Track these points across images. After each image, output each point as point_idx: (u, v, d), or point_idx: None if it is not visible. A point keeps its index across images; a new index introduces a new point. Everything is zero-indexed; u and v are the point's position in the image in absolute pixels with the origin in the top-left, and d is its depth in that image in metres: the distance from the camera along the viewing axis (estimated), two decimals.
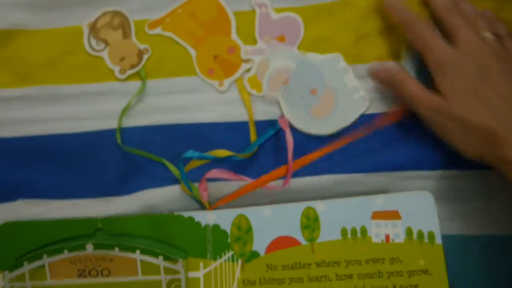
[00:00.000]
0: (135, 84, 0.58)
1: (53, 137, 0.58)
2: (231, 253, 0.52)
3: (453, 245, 0.53)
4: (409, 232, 0.50)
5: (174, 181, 0.56)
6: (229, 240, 0.52)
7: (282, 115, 0.56)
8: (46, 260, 0.51)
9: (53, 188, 0.56)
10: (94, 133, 0.57)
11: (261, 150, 0.57)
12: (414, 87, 0.51)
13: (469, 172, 0.54)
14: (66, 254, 0.51)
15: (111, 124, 0.58)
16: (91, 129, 0.58)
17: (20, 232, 0.53)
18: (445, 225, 0.53)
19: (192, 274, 0.51)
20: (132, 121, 0.58)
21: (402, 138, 0.56)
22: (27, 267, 0.51)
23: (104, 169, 0.57)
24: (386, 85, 0.55)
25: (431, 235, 0.50)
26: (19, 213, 0.56)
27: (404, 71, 0.54)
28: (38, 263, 0.51)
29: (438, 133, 0.51)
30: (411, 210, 0.51)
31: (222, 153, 0.55)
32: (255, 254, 0.51)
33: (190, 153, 0.54)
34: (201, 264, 0.51)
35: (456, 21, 0.51)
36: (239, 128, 0.57)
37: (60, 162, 0.57)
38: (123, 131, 0.57)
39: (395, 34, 0.57)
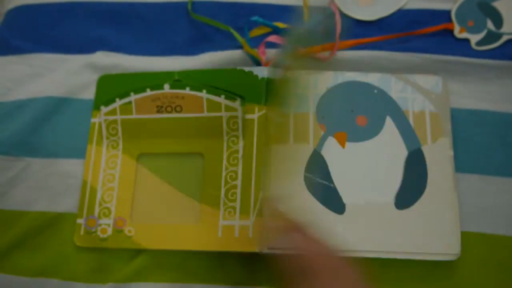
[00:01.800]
0: None
1: (130, 4, 0.63)
2: None
3: (468, 117, 0.57)
4: None
5: (237, 47, 0.61)
6: None
7: (333, 1, 0.62)
8: (132, 97, 0.56)
9: (128, 45, 0.61)
10: (167, 4, 0.63)
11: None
12: None
13: (492, 60, 0.59)
14: (148, 92, 0.56)
15: None
16: (164, 0, 0.63)
17: (113, 81, 0.59)
18: (462, 101, 0.57)
19: (248, 116, 0.56)
20: None
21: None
22: (117, 103, 0.57)
23: (174, 34, 0.62)
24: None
25: None
26: (98, 63, 0.60)
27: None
28: (126, 99, 0.57)
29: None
30: None
31: (281, 24, 0.61)
32: None
33: (256, 18, 0.60)
34: (256, 108, 0.56)
35: None
36: (293, 11, 0.62)
37: (135, 25, 0.62)
38: (193, 4, 0.63)
39: None
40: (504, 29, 0.61)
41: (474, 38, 0.61)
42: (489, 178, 0.54)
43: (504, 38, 0.60)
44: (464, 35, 0.61)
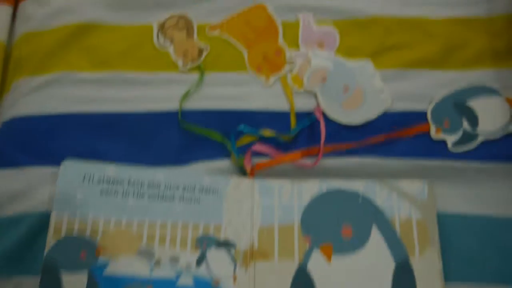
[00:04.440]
0: (195, 76, 0.62)
1: (121, 115, 0.60)
2: None
3: (455, 222, 0.54)
4: None
5: (224, 156, 0.58)
6: None
7: (318, 106, 0.60)
8: None
9: (120, 156, 0.57)
10: (157, 113, 0.60)
11: (299, 136, 0.59)
12: None
13: (471, 162, 0.57)
14: None
15: (172, 106, 0.60)
16: (154, 110, 0.60)
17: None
18: (450, 205, 0.55)
19: None
20: (191, 105, 0.60)
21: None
22: None
23: (163, 144, 0.59)
24: None
25: None
26: None
27: None
28: None
29: None
30: None
31: (267, 132, 0.58)
32: None
33: (242, 127, 0.57)
34: None
35: None
36: (281, 117, 0.60)
37: (127, 136, 0.59)
38: (182, 113, 0.60)
39: (413, 46, 0.62)
40: (479, 129, 0.59)
41: (450, 139, 0.59)
42: (483, 287, 0.52)
43: (480, 138, 0.58)
44: (440, 136, 0.59)
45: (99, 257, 0.50)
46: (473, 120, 0.59)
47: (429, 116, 0.60)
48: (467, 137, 0.59)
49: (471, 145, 0.58)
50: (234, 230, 0.52)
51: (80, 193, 0.52)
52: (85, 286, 0.49)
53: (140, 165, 0.57)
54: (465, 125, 0.59)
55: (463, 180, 0.56)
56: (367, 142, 0.58)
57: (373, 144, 0.58)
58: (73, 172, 0.53)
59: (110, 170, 0.53)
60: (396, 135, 0.58)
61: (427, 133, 0.59)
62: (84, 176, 0.53)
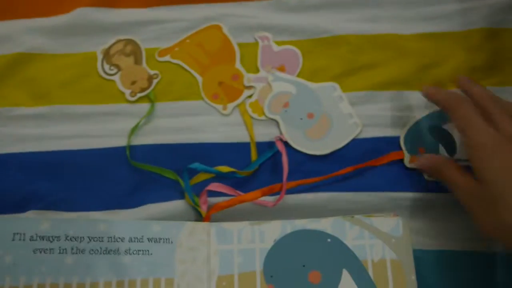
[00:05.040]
0: (144, 106, 0.56)
1: (64, 153, 0.54)
2: None
3: (434, 261, 0.50)
4: None
5: (178, 196, 0.52)
6: None
7: (280, 136, 0.54)
8: None
9: (62, 201, 0.52)
10: (104, 150, 0.54)
11: (261, 169, 0.54)
12: (452, 172, 0.48)
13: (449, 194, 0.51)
14: None
15: (121, 142, 0.54)
16: (101, 146, 0.54)
17: None
18: (428, 241, 0.51)
19: None
20: (140, 140, 0.54)
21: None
22: None
23: (112, 184, 0.53)
24: (428, 170, 0.51)
25: None
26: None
27: (444, 157, 0.52)
28: None
29: (469, 212, 0.46)
30: None
31: (224, 169, 0.52)
32: None
33: (195, 165, 0.51)
34: None
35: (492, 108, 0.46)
36: (240, 148, 0.54)
37: (70, 177, 0.53)
38: (132, 148, 0.54)
39: (384, 66, 0.57)
40: (457, 155, 0.53)
41: None
42: None
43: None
44: (416, 164, 0.53)
45: None
46: (451, 145, 0.54)
47: (402, 142, 0.54)
48: None
49: None
50: (188, 283, 0.46)
51: (9, 254, 0.45)
52: None
53: (85, 210, 0.51)
54: (442, 151, 0.54)
55: (442, 214, 0.52)
56: (334, 175, 0.52)
57: (342, 176, 0.52)
58: (1, 230, 0.46)
59: (44, 225, 0.46)
60: (366, 165, 0.53)
61: (401, 161, 0.53)
62: (14, 234, 0.46)
